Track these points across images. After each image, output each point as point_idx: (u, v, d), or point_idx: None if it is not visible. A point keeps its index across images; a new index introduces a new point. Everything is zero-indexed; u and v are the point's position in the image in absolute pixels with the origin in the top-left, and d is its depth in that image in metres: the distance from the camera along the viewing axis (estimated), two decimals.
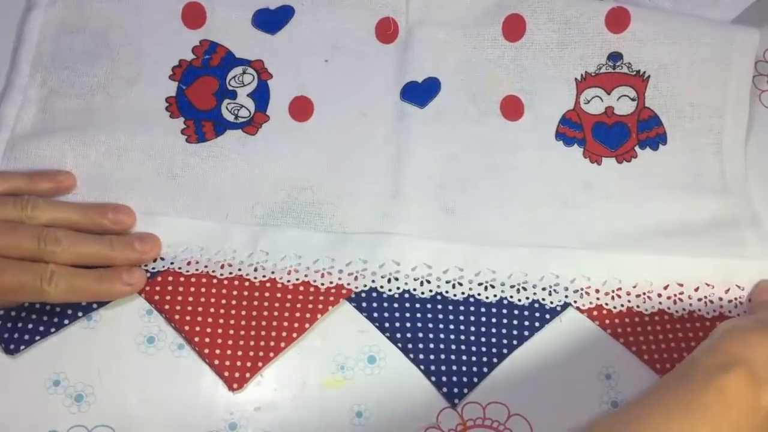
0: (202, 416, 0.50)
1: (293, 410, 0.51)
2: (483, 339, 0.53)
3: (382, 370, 0.52)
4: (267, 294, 0.53)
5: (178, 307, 0.52)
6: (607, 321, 0.54)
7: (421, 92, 0.60)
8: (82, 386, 0.50)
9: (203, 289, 0.53)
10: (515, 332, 0.53)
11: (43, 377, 0.50)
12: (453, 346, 0.53)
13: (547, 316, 0.54)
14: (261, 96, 0.59)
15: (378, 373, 0.52)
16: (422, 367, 0.52)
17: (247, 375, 0.51)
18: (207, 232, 0.54)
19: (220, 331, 0.52)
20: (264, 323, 0.52)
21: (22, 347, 0.50)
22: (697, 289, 0.55)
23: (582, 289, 0.54)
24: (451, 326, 0.53)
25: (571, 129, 0.60)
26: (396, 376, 0.52)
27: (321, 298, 0.53)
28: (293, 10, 0.61)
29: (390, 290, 0.53)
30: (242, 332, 0.52)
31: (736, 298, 0.55)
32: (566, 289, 0.54)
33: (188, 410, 0.50)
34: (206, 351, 0.51)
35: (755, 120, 0.61)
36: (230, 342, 0.51)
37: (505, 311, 0.54)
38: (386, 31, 0.61)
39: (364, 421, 0.51)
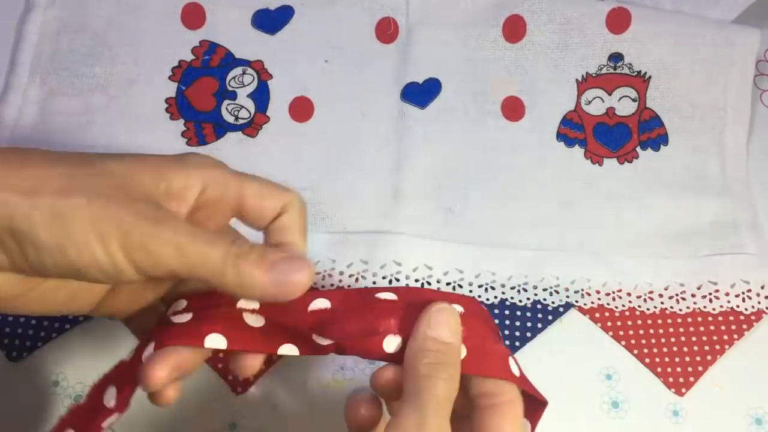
0: (202, 416, 0.50)
1: (293, 411, 0.50)
2: None
3: None
4: None
5: None
6: (609, 323, 0.54)
7: (421, 93, 0.60)
8: (81, 387, 0.50)
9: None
10: (518, 333, 0.53)
11: (42, 378, 0.50)
12: None
13: (549, 317, 0.54)
14: (261, 96, 0.59)
15: None
16: None
17: (250, 378, 0.51)
18: None
19: None
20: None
21: (25, 354, 0.50)
22: (699, 287, 0.55)
23: (582, 290, 0.54)
24: None
25: (572, 130, 0.59)
26: None
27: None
28: (293, 11, 0.61)
29: None
30: None
31: (743, 293, 0.54)
32: (567, 290, 0.54)
33: (188, 410, 0.50)
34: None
35: (756, 120, 0.61)
36: None
37: (507, 312, 0.54)
38: (386, 31, 0.61)
39: None
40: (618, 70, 0.60)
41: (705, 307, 0.54)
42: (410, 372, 0.34)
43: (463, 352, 0.35)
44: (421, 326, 0.35)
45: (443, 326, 0.35)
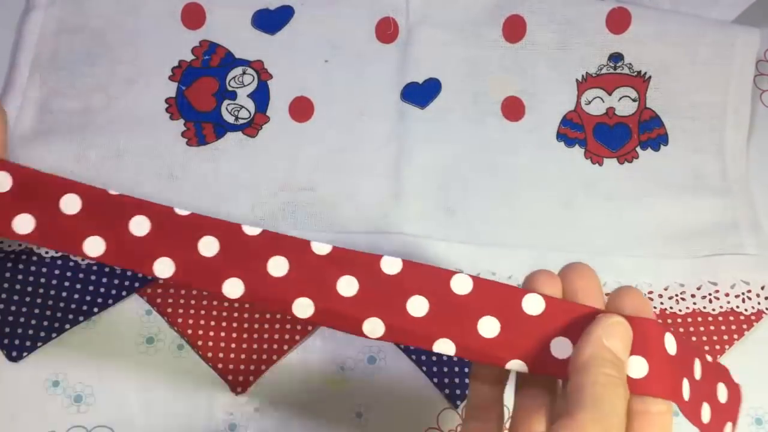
0: (202, 416, 0.50)
1: (293, 410, 0.50)
2: None
3: (382, 370, 0.52)
4: None
5: (180, 310, 0.52)
6: None
7: (421, 93, 0.60)
8: (81, 387, 0.50)
9: (205, 291, 0.53)
10: None
11: (42, 378, 0.50)
12: None
13: None
14: (261, 96, 0.59)
15: (378, 373, 0.52)
16: (425, 368, 0.52)
17: (251, 378, 0.51)
18: None
19: (222, 334, 0.52)
20: (266, 326, 0.52)
21: (25, 354, 0.50)
22: (699, 288, 0.55)
23: None
24: None
25: (572, 130, 0.59)
26: (396, 376, 0.52)
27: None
28: (293, 10, 0.60)
29: None
30: (245, 335, 0.52)
31: (743, 293, 0.54)
32: None
33: (188, 410, 0.50)
34: (209, 354, 0.51)
35: (756, 120, 0.61)
36: (233, 345, 0.51)
37: None
38: (386, 31, 0.61)
39: (364, 421, 0.50)
40: (618, 70, 0.60)
41: (705, 307, 0.54)
42: (587, 378, 0.31)
43: (643, 370, 0.33)
44: (595, 332, 0.33)
45: (619, 340, 0.32)
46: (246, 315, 0.52)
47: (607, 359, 0.32)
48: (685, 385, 0.34)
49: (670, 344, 0.33)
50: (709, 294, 0.54)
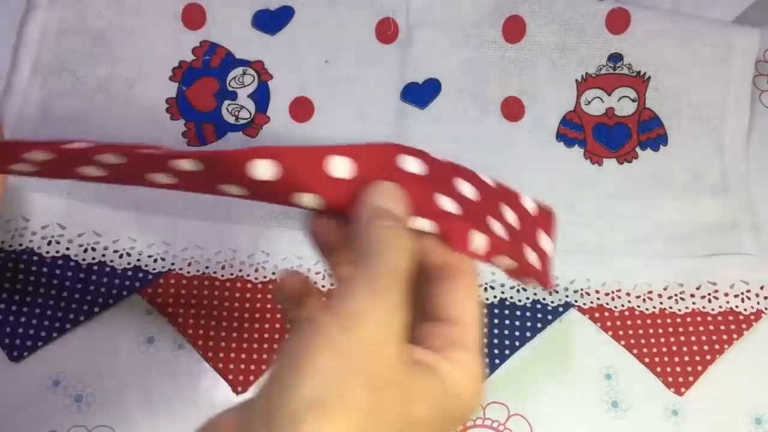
0: (202, 416, 0.50)
1: None
2: (485, 340, 0.53)
3: None
4: (269, 296, 0.53)
5: (180, 310, 0.52)
6: (609, 322, 0.54)
7: (421, 93, 0.60)
8: (82, 386, 0.50)
9: (205, 291, 0.53)
10: (517, 333, 0.53)
11: (43, 377, 0.50)
12: None
13: (549, 317, 0.54)
14: (261, 97, 0.59)
15: None
16: None
17: (251, 378, 0.51)
18: (207, 233, 0.54)
19: (223, 334, 0.52)
20: (267, 326, 0.52)
21: (26, 353, 0.50)
22: (698, 287, 0.55)
23: (581, 290, 0.54)
24: None
25: (572, 130, 0.59)
26: None
27: (323, 299, 0.53)
28: (293, 11, 0.60)
29: None
30: (245, 335, 0.52)
31: (742, 293, 0.54)
32: (566, 289, 0.54)
33: (188, 410, 0.50)
34: (210, 354, 0.51)
35: (755, 120, 0.61)
36: (233, 345, 0.51)
37: (506, 312, 0.54)
38: (386, 31, 0.61)
39: None
40: (617, 71, 0.60)
41: (704, 307, 0.54)
42: (361, 235, 0.31)
43: (426, 224, 0.33)
44: (369, 195, 0.31)
45: (391, 200, 0.32)
46: (246, 315, 0.52)
47: (381, 214, 0.31)
48: (479, 237, 0.34)
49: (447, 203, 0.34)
50: (709, 294, 0.54)
